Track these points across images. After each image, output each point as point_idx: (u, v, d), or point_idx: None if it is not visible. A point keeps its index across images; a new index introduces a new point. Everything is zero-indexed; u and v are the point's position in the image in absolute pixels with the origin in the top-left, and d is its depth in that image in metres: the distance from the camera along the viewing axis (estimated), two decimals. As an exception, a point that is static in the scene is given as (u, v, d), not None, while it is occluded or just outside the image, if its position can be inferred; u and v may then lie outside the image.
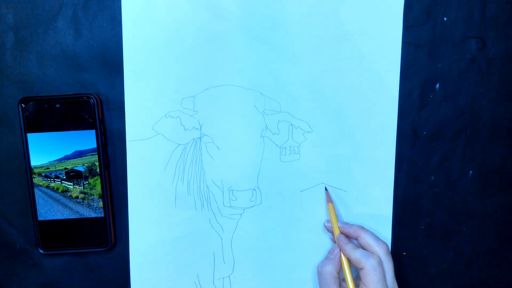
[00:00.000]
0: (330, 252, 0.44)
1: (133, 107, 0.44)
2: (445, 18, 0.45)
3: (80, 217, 0.45)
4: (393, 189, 0.46)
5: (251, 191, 0.46)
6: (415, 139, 0.47)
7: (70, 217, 0.45)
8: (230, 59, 0.44)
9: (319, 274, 0.43)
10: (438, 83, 0.46)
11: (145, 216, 0.46)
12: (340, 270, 0.43)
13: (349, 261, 0.42)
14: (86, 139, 0.44)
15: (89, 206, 0.45)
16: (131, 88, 0.44)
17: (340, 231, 0.44)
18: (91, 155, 0.44)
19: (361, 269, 0.41)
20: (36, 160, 0.44)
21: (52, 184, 0.45)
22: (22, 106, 0.43)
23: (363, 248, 0.42)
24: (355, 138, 0.46)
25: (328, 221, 0.46)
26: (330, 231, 0.46)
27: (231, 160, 0.45)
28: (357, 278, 0.43)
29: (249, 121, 0.45)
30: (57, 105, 0.44)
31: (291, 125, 0.46)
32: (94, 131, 0.44)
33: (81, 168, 0.45)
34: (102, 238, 0.46)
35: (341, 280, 0.43)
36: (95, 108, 0.44)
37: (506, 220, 0.48)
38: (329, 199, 0.45)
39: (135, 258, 0.46)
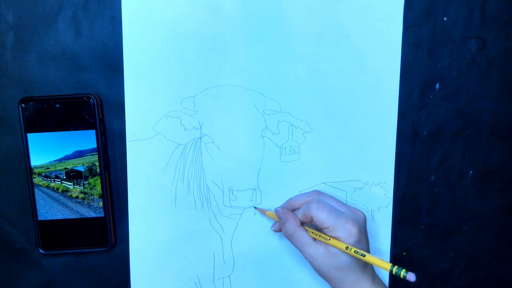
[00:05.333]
0: (279, 218, 0.43)
1: (133, 107, 0.44)
2: (445, 18, 0.45)
3: (80, 217, 0.45)
4: (393, 189, 0.47)
5: (251, 191, 0.46)
6: (415, 139, 0.47)
7: (70, 217, 0.45)
8: (230, 59, 0.44)
9: (290, 238, 0.42)
10: (438, 83, 0.46)
11: (145, 216, 0.46)
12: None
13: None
14: (86, 139, 0.44)
15: (89, 206, 0.45)
16: (131, 88, 0.44)
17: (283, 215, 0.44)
18: (91, 155, 0.44)
19: (311, 220, 0.41)
20: (36, 160, 0.44)
21: (52, 184, 0.45)
22: (22, 106, 0.43)
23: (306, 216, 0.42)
24: (355, 138, 0.46)
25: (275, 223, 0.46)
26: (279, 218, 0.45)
27: (231, 160, 0.45)
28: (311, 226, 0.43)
29: (249, 121, 0.45)
30: (57, 105, 0.44)
31: (291, 125, 0.46)
32: (94, 131, 0.44)
33: (81, 168, 0.45)
34: (102, 238, 0.46)
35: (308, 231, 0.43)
36: (95, 108, 0.44)
37: (506, 220, 0.48)
38: (263, 211, 0.46)
39: (135, 258, 0.46)
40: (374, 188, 0.47)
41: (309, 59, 0.45)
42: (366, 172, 0.46)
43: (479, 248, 0.48)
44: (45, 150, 0.44)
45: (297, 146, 0.46)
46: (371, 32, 0.44)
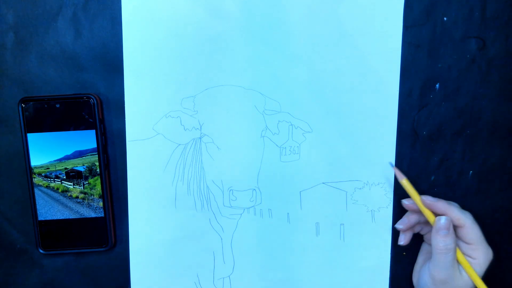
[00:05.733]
0: (442, 228, 0.41)
1: (133, 107, 0.44)
2: (445, 18, 0.45)
3: (80, 217, 0.45)
4: (393, 189, 0.46)
5: (251, 191, 0.46)
6: (415, 139, 0.47)
7: (70, 217, 0.45)
8: (230, 59, 0.44)
9: (445, 254, 0.41)
10: (438, 83, 0.46)
11: (145, 216, 0.46)
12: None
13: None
14: (86, 139, 0.44)
15: (89, 206, 0.45)
16: (131, 88, 0.44)
17: (426, 206, 0.43)
18: (91, 155, 0.44)
19: (461, 227, 0.41)
20: (36, 160, 0.44)
21: (52, 184, 0.45)
22: (22, 106, 0.43)
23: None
24: (355, 138, 0.46)
25: (408, 199, 0.44)
26: (412, 208, 0.44)
27: (231, 160, 0.45)
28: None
29: (249, 121, 0.45)
30: (57, 105, 0.44)
31: (291, 125, 0.46)
32: (94, 131, 0.44)
33: (81, 168, 0.45)
34: (102, 238, 0.46)
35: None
36: (95, 108, 0.44)
37: (506, 220, 0.48)
38: (400, 175, 0.44)
39: (135, 258, 0.46)
40: (374, 188, 0.46)
41: (309, 59, 0.45)
42: (366, 172, 0.46)
43: (479, 248, 0.48)
44: (45, 150, 0.44)
45: (297, 146, 0.46)
46: (371, 32, 0.44)
